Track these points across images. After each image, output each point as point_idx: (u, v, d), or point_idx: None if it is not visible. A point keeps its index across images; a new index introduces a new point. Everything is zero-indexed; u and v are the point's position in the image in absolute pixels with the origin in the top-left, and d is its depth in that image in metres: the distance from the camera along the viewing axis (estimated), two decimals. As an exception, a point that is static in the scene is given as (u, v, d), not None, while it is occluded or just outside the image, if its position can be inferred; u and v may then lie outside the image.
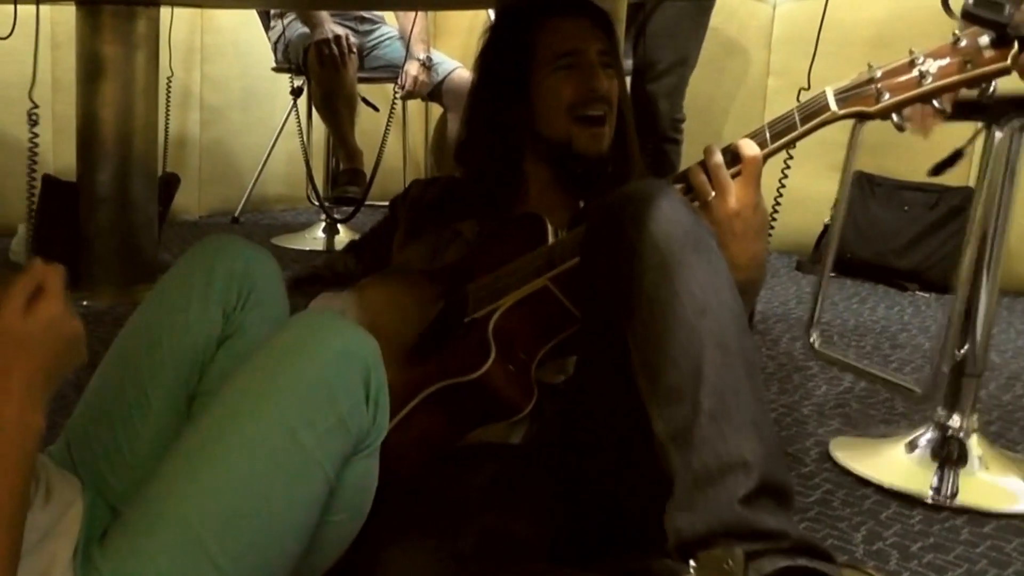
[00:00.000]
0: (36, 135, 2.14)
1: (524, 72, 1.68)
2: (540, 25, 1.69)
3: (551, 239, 1.54)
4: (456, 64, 4.01)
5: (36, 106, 2.09)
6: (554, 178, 1.70)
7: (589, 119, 1.65)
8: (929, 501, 1.91)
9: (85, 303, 3.07)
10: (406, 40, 3.95)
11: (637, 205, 1.29)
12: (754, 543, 1.12)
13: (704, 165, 1.40)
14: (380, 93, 4.28)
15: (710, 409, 1.17)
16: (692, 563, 1.14)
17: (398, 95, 4.06)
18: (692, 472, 1.16)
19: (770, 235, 1.75)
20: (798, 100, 1.90)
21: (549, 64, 1.67)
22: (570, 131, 1.65)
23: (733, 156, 1.39)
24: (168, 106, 4.08)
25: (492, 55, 1.77)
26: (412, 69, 3.93)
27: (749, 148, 1.38)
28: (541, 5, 1.72)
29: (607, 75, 1.67)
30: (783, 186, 1.98)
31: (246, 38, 4.47)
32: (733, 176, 1.38)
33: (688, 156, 1.51)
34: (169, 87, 4.09)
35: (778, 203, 1.96)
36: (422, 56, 3.94)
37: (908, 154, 3.57)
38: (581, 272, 1.41)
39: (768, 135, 1.39)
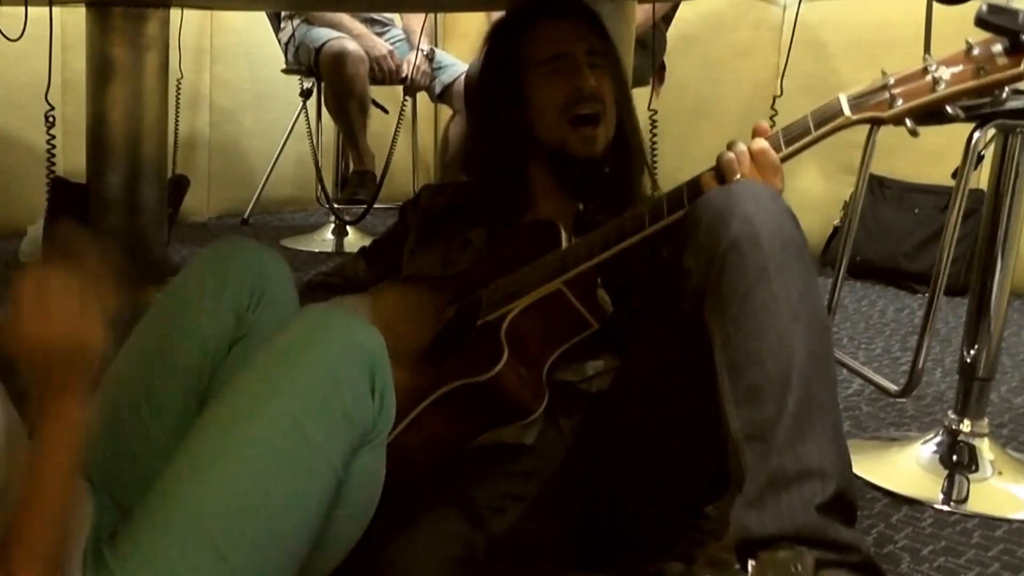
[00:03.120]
0: (53, 136, 2.15)
1: (518, 79, 1.69)
2: (528, 31, 1.70)
3: (564, 244, 1.54)
4: (466, 66, 4.02)
5: (52, 108, 2.10)
6: (555, 182, 1.71)
7: (581, 119, 1.65)
8: (939, 506, 1.90)
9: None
10: (411, 38, 3.98)
11: (745, 203, 1.29)
12: (825, 552, 1.12)
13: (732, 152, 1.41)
14: (390, 95, 4.28)
15: (794, 414, 1.17)
16: (751, 562, 1.14)
17: (406, 97, 4.07)
18: (768, 472, 1.16)
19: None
20: (772, 108, 1.92)
21: (538, 69, 1.68)
22: (564, 134, 1.66)
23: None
24: (178, 108, 4.09)
25: (488, 65, 1.78)
26: (411, 57, 3.95)
27: (756, 144, 1.39)
28: (529, 11, 1.73)
29: (596, 74, 1.67)
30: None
31: (255, 40, 4.48)
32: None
33: (696, 159, 1.52)
34: (179, 89, 4.10)
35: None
36: (425, 48, 3.96)
37: (918, 156, 3.56)
38: (674, 257, 1.40)
39: (782, 140, 1.39)
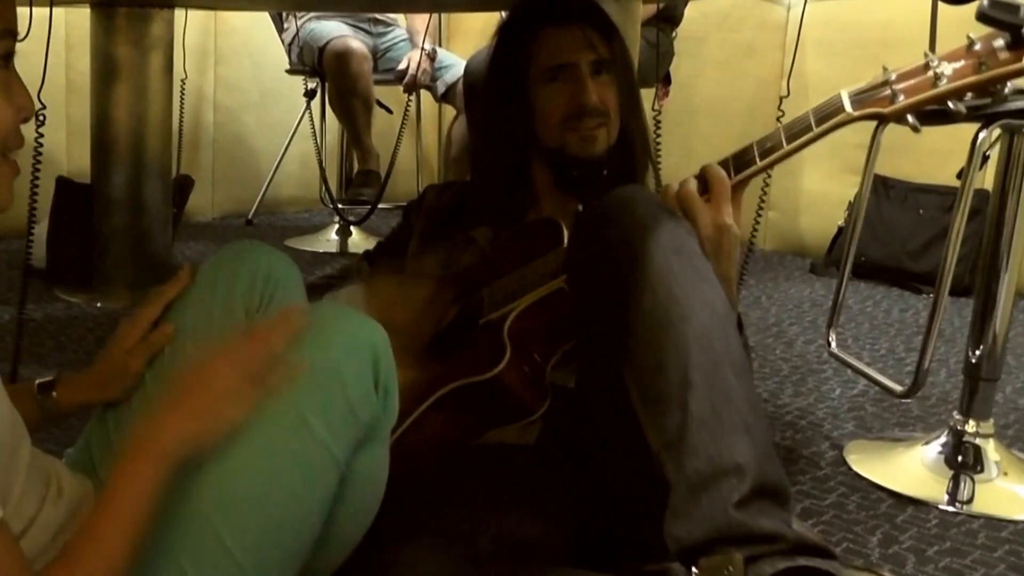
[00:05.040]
0: (41, 135, 2.16)
1: (523, 82, 1.68)
2: (535, 35, 1.68)
3: (567, 243, 1.54)
4: (470, 66, 4.02)
5: (43, 107, 2.10)
6: (555, 182, 1.70)
7: (581, 128, 1.65)
8: (945, 507, 1.90)
9: (99, 304, 3.09)
10: (415, 38, 3.99)
11: (615, 213, 1.29)
12: (752, 547, 1.11)
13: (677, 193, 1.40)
14: (394, 95, 4.29)
15: (699, 415, 1.17)
16: (694, 570, 1.14)
17: (403, 89, 4.07)
18: (685, 479, 1.16)
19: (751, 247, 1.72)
20: (779, 109, 1.92)
21: (542, 77, 1.66)
22: (564, 138, 1.65)
23: (703, 181, 1.39)
24: (182, 108, 4.09)
25: (494, 63, 1.77)
26: (415, 55, 3.96)
27: (713, 173, 1.38)
28: (537, 14, 1.71)
29: (600, 83, 1.65)
30: (765, 194, 1.99)
31: (259, 40, 4.48)
32: (706, 200, 1.37)
33: (699, 157, 1.52)
34: (183, 89, 4.10)
35: (762, 205, 1.98)
36: (427, 47, 3.96)
37: (923, 156, 3.56)
38: (568, 285, 1.41)
39: (783, 137, 1.38)
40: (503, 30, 1.78)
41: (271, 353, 1.09)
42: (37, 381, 1.27)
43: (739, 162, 1.41)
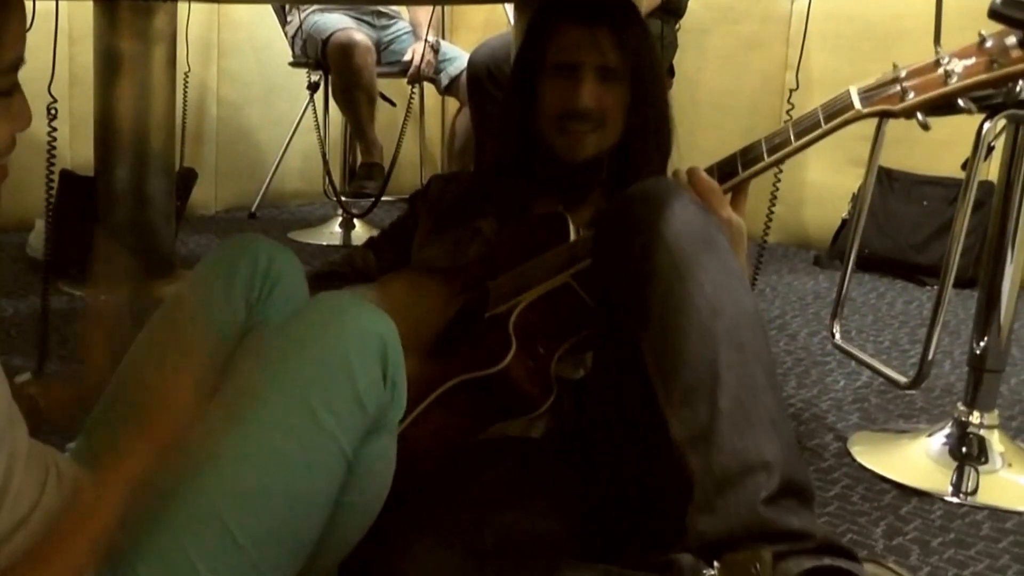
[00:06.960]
0: (55, 129, 2.15)
1: (537, 71, 1.67)
2: (554, 27, 1.67)
3: (573, 237, 1.54)
4: (473, 59, 4.02)
5: (55, 100, 2.10)
6: (543, 176, 1.70)
7: (570, 129, 1.64)
8: (949, 498, 1.90)
9: (102, 297, 3.08)
10: (418, 31, 3.99)
11: (648, 205, 1.29)
12: (779, 544, 1.12)
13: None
14: (397, 88, 4.28)
15: (728, 410, 1.17)
16: (716, 564, 1.14)
17: (406, 80, 4.07)
18: (712, 474, 1.17)
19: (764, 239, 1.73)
20: (789, 102, 1.92)
21: (550, 71, 1.66)
22: (552, 135, 1.64)
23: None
24: (185, 101, 4.09)
25: (519, 50, 1.77)
26: (418, 47, 3.95)
27: (697, 177, 1.41)
28: (561, 6, 1.70)
29: (603, 89, 1.62)
30: (777, 188, 1.99)
31: (263, 33, 4.47)
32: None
33: (705, 150, 1.51)
34: (186, 82, 4.10)
35: (774, 199, 1.98)
36: (431, 40, 3.96)
37: (927, 148, 3.55)
38: (593, 273, 1.41)
39: (792, 133, 1.39)
40: (532, 19, 1.77)
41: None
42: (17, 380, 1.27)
43: (745, 158, 1.42)
